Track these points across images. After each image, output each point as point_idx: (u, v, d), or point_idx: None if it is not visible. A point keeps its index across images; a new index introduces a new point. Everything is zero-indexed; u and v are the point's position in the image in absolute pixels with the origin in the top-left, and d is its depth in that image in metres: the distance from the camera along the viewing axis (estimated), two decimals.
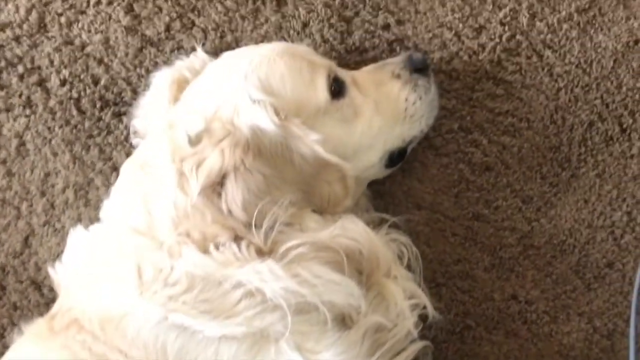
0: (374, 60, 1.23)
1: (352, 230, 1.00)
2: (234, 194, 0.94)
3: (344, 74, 1.10)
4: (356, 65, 1.23)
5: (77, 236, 1.06)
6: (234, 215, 0.95)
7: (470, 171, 1.23)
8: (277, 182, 0.96)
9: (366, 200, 1.19)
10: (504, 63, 1.23)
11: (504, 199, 1.23)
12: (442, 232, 1.23)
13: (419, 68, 1.13)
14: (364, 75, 1.13)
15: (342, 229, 0.99)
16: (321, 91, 1.03)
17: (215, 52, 1.21)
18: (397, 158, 1.15)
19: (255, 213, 0.94)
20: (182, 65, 1.15)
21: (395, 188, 1.23)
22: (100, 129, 1.25)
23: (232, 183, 0.94)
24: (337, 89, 1.05)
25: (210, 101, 1.01)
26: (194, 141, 0.95)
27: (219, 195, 0.95)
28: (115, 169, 1.24)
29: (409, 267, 1.13)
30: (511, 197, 1.23)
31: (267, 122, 0.97)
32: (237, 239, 0.96)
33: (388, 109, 1.10)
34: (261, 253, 0.95)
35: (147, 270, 0.94)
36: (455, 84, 1.23)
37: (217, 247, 0.95)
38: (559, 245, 1.23)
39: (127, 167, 1.07)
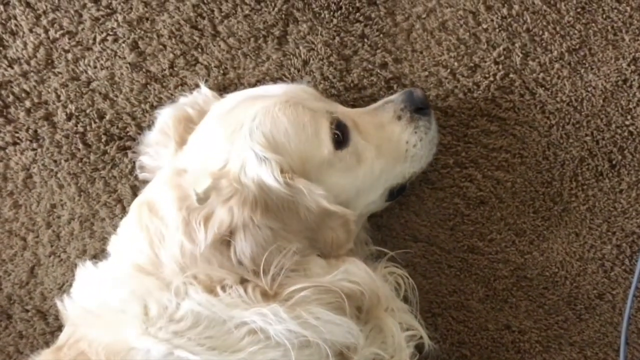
0: (372, 97, 1.25)
1: (355, 274, 1.02)
2: (243, 248, 0.97)
3: (346, 116, 1.10)
4: (354, 102, 1.26)
5: (85, 272, 1.07)
6: (243, 265, 0.98)
7: (465, 205, 1.25)
8: (284, 234, 0.98)
9: (365, 233, 1.21)
10: (498, 100, 1.25)
11: (497, 232, 1.25)
12: (438, 264, 1.25)
13: (419, 107, 1.14)
14: (365, 117, 1.14)
15: (345, 273, 1.01)
16: (325, 144, 1.04)
17: (218, 89, 1.24)
18: (397, 192, 1.17)
19: (262, 262, 0.96)
20: (185, 102, 1.17)
21: (393, 221, 1.25)
22: (105, 162, 1.27)
23: (241, 238, 0.96)
24: (339, 138, 1.06)
25: (216, 156, 1.02)
26: (203, 198, 0.96)
27: (227, 245, 0.97)
28: (120, 201, 1.26)
29: (405, 299, 1.14)
30: (505, 230, 1.25)
31: (273, 181, 0.98)
32: (243, 282, 0.98)
33: (389, 152, 1.12)
34: (266, 296, 0.97)
35: (153, 307, 0.96)
36: (450, 121, 1.25)
37: (223, 289, 0.97)
38: (551, 277, 1.25)
39: (136, 206, 1.08)
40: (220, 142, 1.04)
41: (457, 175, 1.25)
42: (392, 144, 1.13)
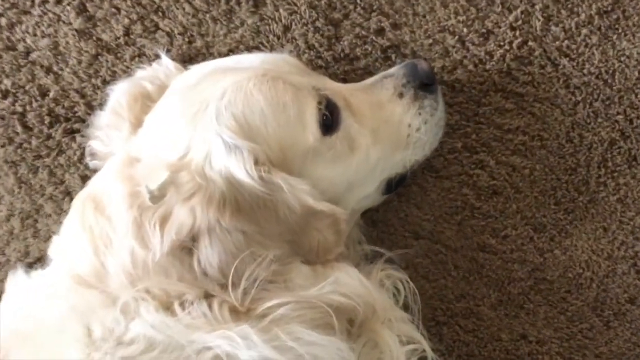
0: (366, 69, 1.11)
1: (346, 285, 0.89)
2: (208, 256, 0.82)
3: (336, 94, 0.95)
4: (346, 75, 1.11)
5: (16, 282, 0.93)
6: (208, 276, 0.83)
7: (475, 196, 1.12)
8: (259, 238, 0.84)
9: (358, 230, 1.07)
10: (515, 73, 1.11)
11: (513, 227, 1.12)
12: (444, 265, 1.13)
13: (424, 83, 0.99)
14: (359, 95, 0.99)
15: (334, 284, 0.88)
16: (311, 129, 0.90)
17: (182, 60, 1.10)
18: (396, 184, 1.03)
19: (232, 272, 0.82)
20: (144, 76, 1.02)
21: (391, 215, 1.12)
22: (49, 148, 1.12)
23: (206, 244, 0.82)
24: (329, 122, 0.91)
25: (175, 142, 0.87)
26: (157, 196, 0.82)
27: (188, 252, 0.83)
28: (68, 194, 1.13)
29: (406, 306, 1.03)
30: (521, 225, 1.12)
31: (245, 175, 0.84)
32: (207, 297, 0.84)
33: (388, 137, 0.97)
34: (236, 313, 0.83)
35: (97, 329, 0.81)
36: (458, 97, 1.11)
37: (182, 306, 0.82)
38: (575, 279, 1.13)
39: (79, 202, 0.93)
40: (180, 125, 0.89)
41: (466, 162, 1.12)
42: (392, 128, 0.98)
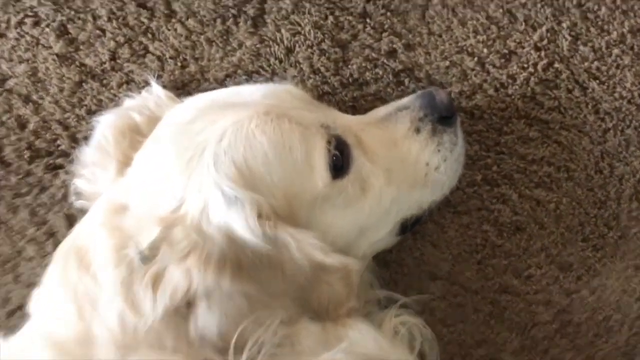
0: (377, 95, 1.02)
1: (362, 346, 0.81)
2: (207, 322, 0.74)
3: (347, 130, 0.87)
4: (354, 102, 1.02)
5: None
6: (207, 342, 0.75)
7: (496, 233, 1.04)
8: (263, 299, 0.76)
9: (370, 273, 0.98)
10: (539, 98, 1.02)
11: (537, 266, 1.04)
12: (462, 308, 1.04)
13: (443, 116, 0.90)
14: (372, 131, 0.90)
15: (348, 347, 0.80)
16: (320, 173, 0.81)
17: (175, 87, 1.02)
18: (411, 225, 0.95)
19: (235, 337, 0.74)
20: (132, 106, 0.94)
21: (405, 255, 1.03)
22: (30, 185, 1.03)
23: (204, 309, 0.74)
24: (339, 162, 0.83)
25: (168, 191, 0.79)
26: (149, 256, 0.74)
27: (184, 317, 0.75)
28: (52, 235, 1.03)
29: (422, 354, 0.94)
30: (546, 264, 1.04)
31: (248, 232, 0.76)
32: None
33: (403, 177, 0.89)
34: None
35: None
36: (478, 125, 1.03)
37: None
38: (604, 322, 1.05)
39: (61, 254, 0.84)
40: (173, 172, 0.80)
41: (487, 196, 1.03)
42: (408, 167, 0.90)
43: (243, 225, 0.76)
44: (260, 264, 0.77)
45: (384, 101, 0.99)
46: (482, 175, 1.03)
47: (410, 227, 0.95)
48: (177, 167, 0.79)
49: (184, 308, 0.74)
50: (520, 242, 1.03)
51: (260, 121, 0.80)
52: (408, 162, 0.89)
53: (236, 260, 0.76)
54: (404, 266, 1.04)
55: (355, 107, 1.01)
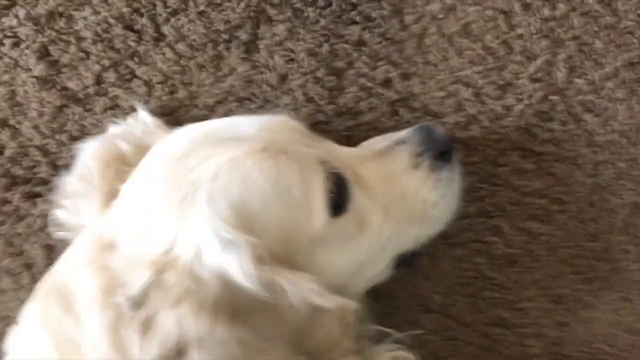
0: (371, 125, 0.99)
1: None
2: None
3: (345, 166, 0.84)
4: (349, 131, 1.00)
5: None
6: None
7: (489, 266, 1.02)
8: (258, 344, 0.73)
9: (362, 306, 0.93)
10: (534, 130, 1.01)
11: (529, 299, 1.03)
12: (454, 342, 1.03)
13: (441, 151, 0.89)
14: (370, 166, 0.88)
15: None
16: (319, 212, 0.78)
17: (162, 113, 0.97)
18: (407, 259, 0.93)
19: None
20: (117, 134, 0.91)
21: (398, 287, 1.01)
22: (5, 214, 0.98)
23: (195, 358, 0.70)
24: (338, 200, 0.80)
25: (159, 232, 0.75)
26: (139, 302, 0.70)
27: None
28: (28, 267, 0.99)
29: None
30: (538, 296, 1.03)
31: (244, 277, 0.72)
32: None
33: (401, 213, 0.87)
34: None
35: None
36: (473, 156, 1.01)
37: None
38: (595, 354, 1.04)
39: (42, 292, 0.80)
40: (165, 211, 0.76)
41: (480, 227, 1.02)
42: (406, 203, 0.88)
43: (239, 270, 0.72)
44: (255, 309, 0.74)
45: (378, 131, 0.96)
46: (475, 207, 1.01)
47: (406, 261, 0.92)
48: (168, 207, 0.76)
49: (175, 357, 0.70)
50: (513, 275, 1.02)
51: (258, 158, 0.77)
52: (406, 199, 0.87)
53: (231, 306, 0.72)
54: (397, 299, 1.02)
55: (350, 137, 0.97)
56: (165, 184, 0.77)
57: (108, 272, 0.74)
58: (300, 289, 0.74)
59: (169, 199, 0.76)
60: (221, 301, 0.72)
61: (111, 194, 0.84)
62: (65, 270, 0.80)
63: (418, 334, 0.98)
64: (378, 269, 0.89)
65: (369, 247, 0.84)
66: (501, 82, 1.00)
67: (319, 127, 0.97)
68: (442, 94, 1.00)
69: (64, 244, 0.88)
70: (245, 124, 0.84)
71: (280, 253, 0.76)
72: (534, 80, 1.00)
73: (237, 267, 0.72)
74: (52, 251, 0.96)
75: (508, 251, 1.02)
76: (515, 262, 1.02)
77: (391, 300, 1.01)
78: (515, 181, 1.01)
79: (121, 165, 0.86)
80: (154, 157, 0.84)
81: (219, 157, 0.77)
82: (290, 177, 0.77)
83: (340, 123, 0.99)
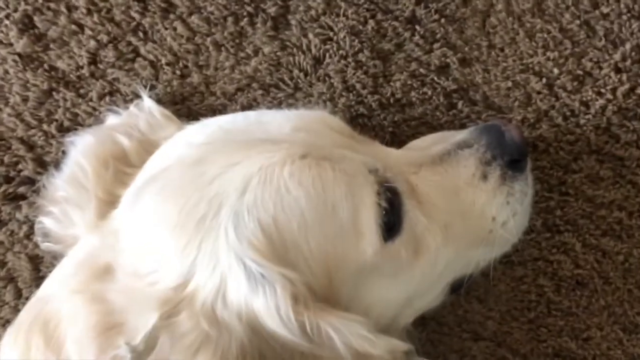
0: (421, 120, 0.92)
1: None
2: None
3: (397, 174, 0.74)
4: (395, 127, 0.91)
5: None
6: None
7: (554, 288, 0.94)
8: None
9: (403, 333, 0.86)
10: (615, 130, 0.91)
11: (598, 327, 0.94)
12: None
13: (514, 159, 0.79)
14: (427, 176, 0.77)
15: None
16: (370, 238, 0.68)
17: (172, 101, 0.92)
18: (465, 282, 0.84)
19: None
20: (117, 126, 0.83)
21: (446, 312, 0.94)
22: None
23: None
24: (391, 222, 0.70)
25: (170, 261, 0.66)
26: (144, 352, 0.61)
27: None
28: (12, 280, 0.92)
29: None
30: (609, 324, 0.94)
31: (279, 322, 0.63)
32: None
33: (464, 234, 0.77)
34: None
35: None
36: (541, 160, 0.92)
37: None
38: None
39: (25, 323, 0.71)
40: (178, 234, 0.66)
41: (546, 244, 0.93)
42: (470, 222, 0.77)
43: (272, 313, 0.63)
44: (289, 357, 0.65)
45: (431, 127, 0.89)
46: (542, 220, 0.92)
47: (459, 286, 0.82)
48: (182, 229, 0.65)
49: None
50: (581, 300, 0.94)
51: (296, 168, 0.66)
52: (471, 217, 0.77)
53: (259, 357, 0.63)
54: (444, 325, 0.94)
55: (396, 134, 0.90)
56: (178, 199, 0.66)
57: (103, 305, 0.65)
58: (347, 337, 0.65)
59: (183, 219, 0.65)
60: (248, 351, 0.63)
61: (109, 201, 0.75)
62: (51, 298, 0.70)
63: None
64: (431, 298, 0.79)
65: (423, 276, 0.75)
66: (579, 72, 0.91)
67: (359, 121, 0.91)
68: (508, 84, 0.91)
69: (53, 256, 0.80)
70: (276, 121, 0.74)
71: (322, 289, 0.67)
72: (619, 70, 0.91)
73: (271, 309, 0.63)
74: (39, 262, 0.90)
75: (577, 272, 0.94)
76: (585, 285, 0.94)
77: (438, 326, 0.94)
78: (589, 191, 0.93)
79: (121, 166, 0.78)
80: (163, 160, 0.74)
81: (246, 165, 0.66)
82: (336, 192, 0.67)
83: (385, 117, 0.91)
